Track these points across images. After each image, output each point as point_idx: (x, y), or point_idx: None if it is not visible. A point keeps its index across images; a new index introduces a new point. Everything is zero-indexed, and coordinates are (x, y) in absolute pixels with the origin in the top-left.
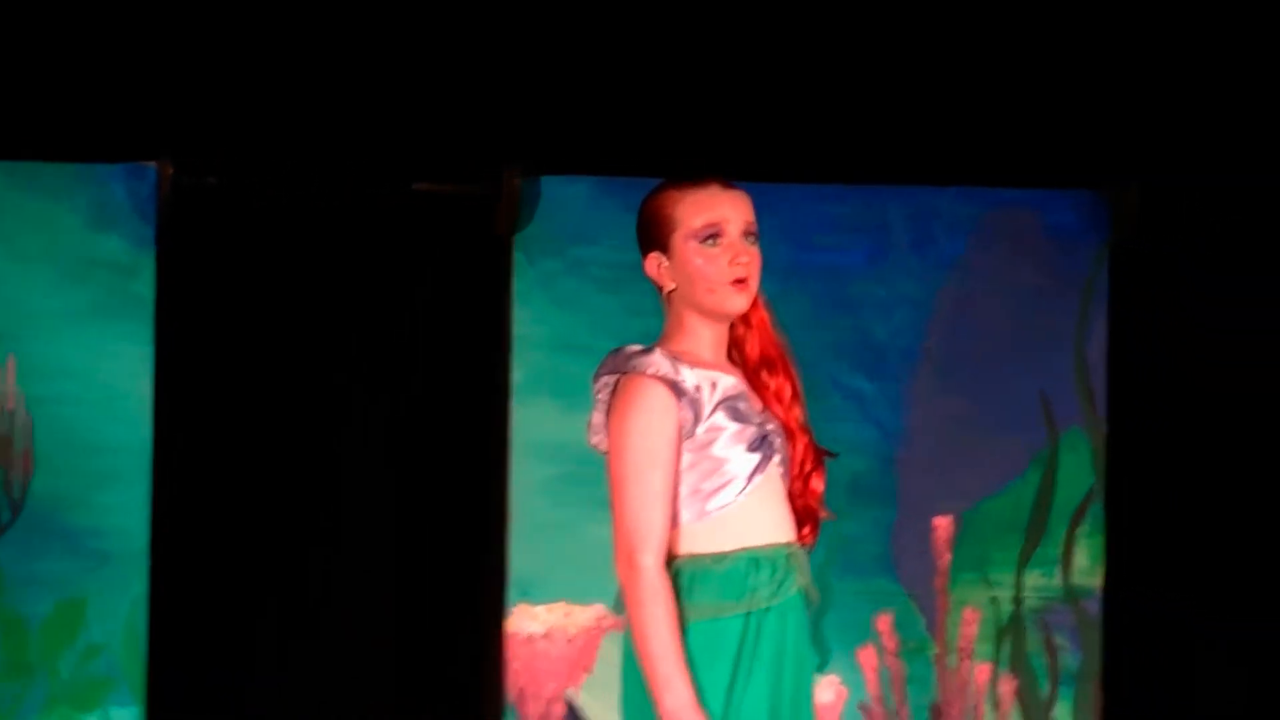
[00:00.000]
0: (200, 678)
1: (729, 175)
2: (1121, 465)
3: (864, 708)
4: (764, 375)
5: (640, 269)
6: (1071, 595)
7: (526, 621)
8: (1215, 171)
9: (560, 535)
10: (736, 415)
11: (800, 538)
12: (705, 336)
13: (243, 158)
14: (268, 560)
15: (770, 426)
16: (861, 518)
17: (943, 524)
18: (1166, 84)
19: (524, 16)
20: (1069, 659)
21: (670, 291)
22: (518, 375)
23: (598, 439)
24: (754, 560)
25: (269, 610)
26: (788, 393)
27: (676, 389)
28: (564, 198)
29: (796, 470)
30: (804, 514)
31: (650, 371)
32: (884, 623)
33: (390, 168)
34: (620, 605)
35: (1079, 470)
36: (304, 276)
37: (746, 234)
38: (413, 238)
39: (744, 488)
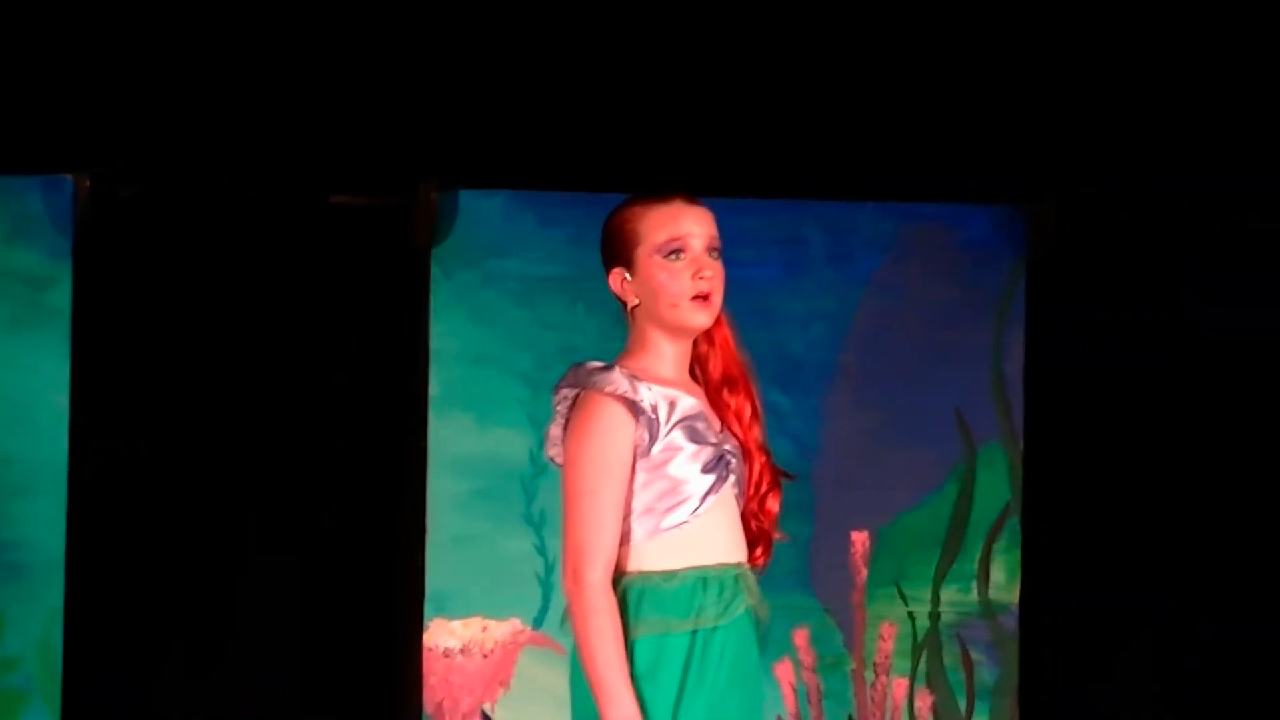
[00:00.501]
0: (116, 691)
1: (645, 189)
2: (1038, 480)
3: None
4: (725, 394)
5: (556, 282)
6: (988, 610)
7: (443, 636)
8: (1131, 186)
9: (477, 549)
10: (694, 436)
11: (753, 559)
12: (668, 353)
13: (159, 170)
14: (183, 573)
15: (728, 447)
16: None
17: (860, 539)
18: (1081, 100)
19: (440, 31)
20: (986, 674)
21: (634, 307)
22: (434, 388)
23: (554, 451)
24: (703, 579)
25: (184, 623)
26: (747, 412)
27: (634, 408)
28: (481, 211)
29: (752, 490)
30: (757, 535)
31: (608, 389)
32: (801, 638)
33: (307, 180)
34: (540, 620)
35: (996, 485)
36: (220, 289)
37: (710, 249)
38: (329, 250)
39: (697, 507)
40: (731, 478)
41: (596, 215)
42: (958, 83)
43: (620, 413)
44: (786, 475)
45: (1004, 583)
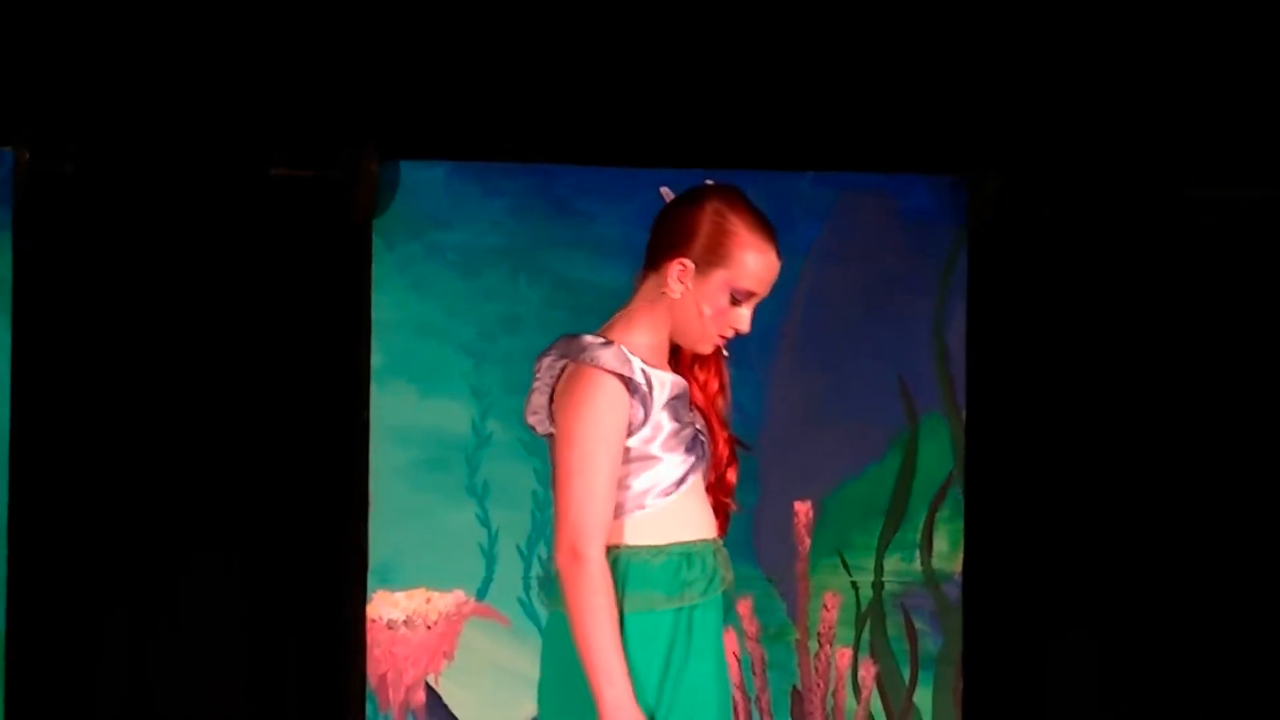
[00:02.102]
0: (59, 667)
1: (586, 159)
2: (980, 450)
3: None
4: (696, 369)
5: (498, 253)
6: (931, 579)
7: (386, 608)
8: (1073, 156)
9: (420, 521)
10: (676, 415)
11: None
12: (662, 335)
13: (100, 143)
14: (126, 548)
15: (698, 425)
16: None
17: (803, 509)
18: (1023, 69)
19: (381, 2)
20: (929, 643)
21: (663, 294)
22: (377, 360)
23: (534, 419)
24: (687, 555)
25: (128, 598)
26: (714, 386)
27: (630, 385)
28: (422, 182)
29: (715, 463)
30: (716, 508)
31: (608, 366)
32: (744, 608)
33: (248, 153)
34: (483, 591)
35: (938, 455)
36: (162, 262)
37: (757, 303)
38: (271, 223)
39: (681, 484)
40: (705, 456)
41: (538, 186)
42: (899, 52)
43: (618, 389)
44: (744, 446)
45: (947, 552)
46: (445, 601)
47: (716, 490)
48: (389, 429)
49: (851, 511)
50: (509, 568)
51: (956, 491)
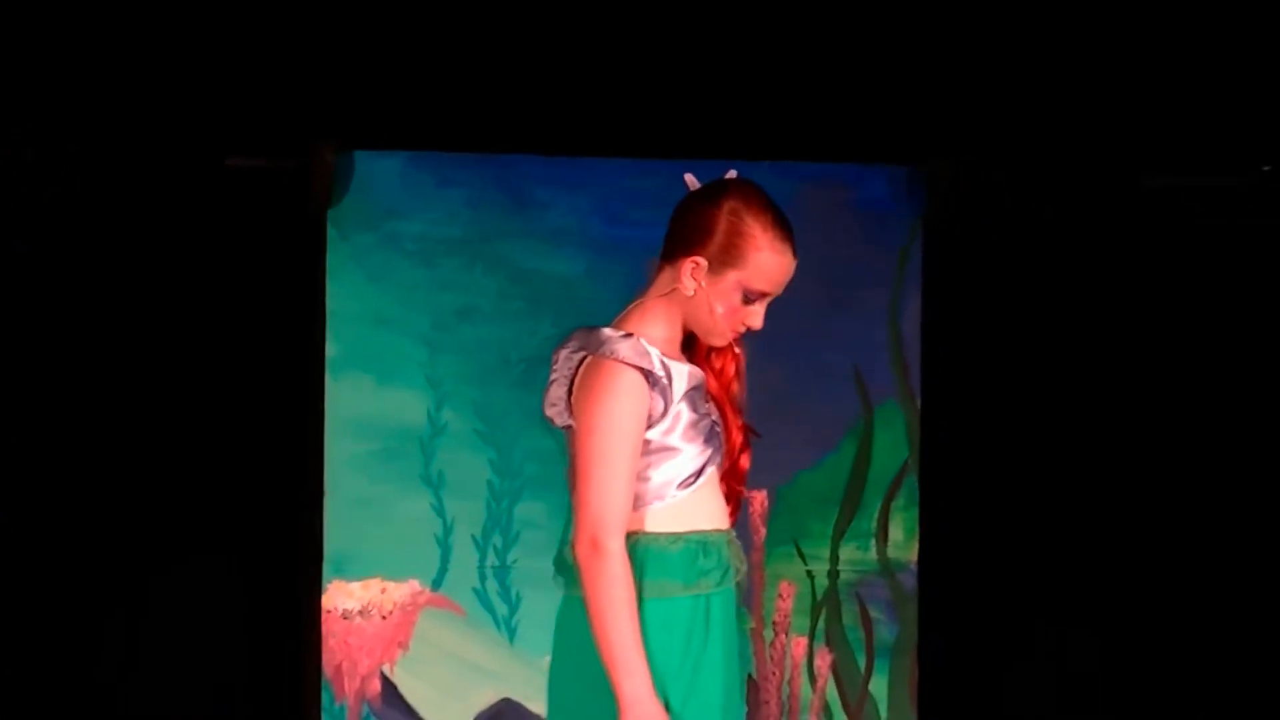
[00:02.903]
0: (17, 661)
1: (542, 149)
2: (935, 439)
3: None
4: (711, 356)
5: (454, 243)
6: (887, 568)
7: (341, 598)
8: (1029, 146)
9: (376, 511)
10: (694, 406)
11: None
12: (675, 328)
13: (54, 133)
14: (78, 538)
15: (714, 416)
16: None
17: (758, 498)
18: (979, 59)
19: None
20: (885, 632)
21: (675, 289)
22: (332, 350)
23: (553, 412)
24: (703, 544)
25: (82, 591)
26: (730, 372)
27: (650, 377)
28: (377, 172)
29: (729, 450)
30: (728, 495)
31: (628, 358)
32: None
33: (202, 143)
34: (438, 581)
35: (893, 444)
36: (117, 253)
37: (771, 301)
38: (225, 213)
39: (699, 476)
40: (721, 446)
41: (494, 177)
42: (857, 42)
43: (638, 381)
44: (754, 433)
45: (902, 541)
46: (400, 591)
47: (729, 477)
48: (344, 419)
49: (807, 501)
50: (464, 558)
51: (912, 480)
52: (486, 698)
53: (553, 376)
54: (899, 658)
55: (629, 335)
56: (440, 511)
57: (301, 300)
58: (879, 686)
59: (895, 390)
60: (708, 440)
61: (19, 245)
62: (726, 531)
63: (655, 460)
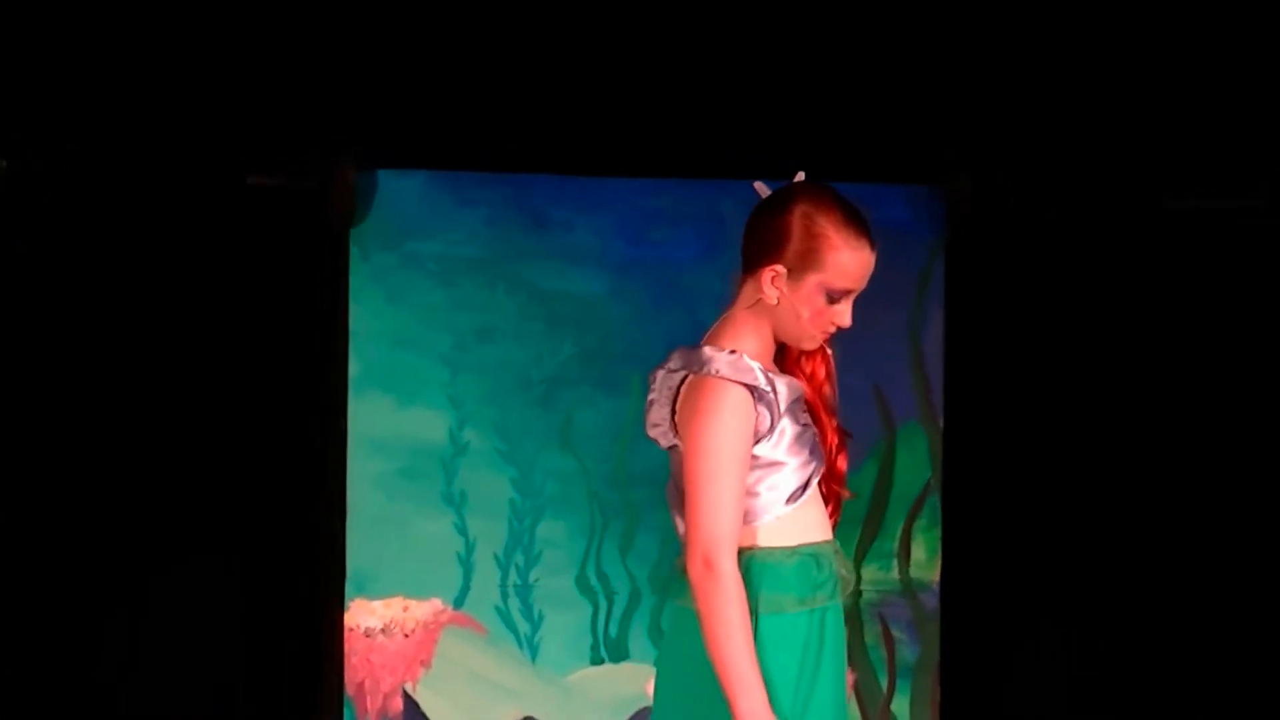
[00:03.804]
0: (40, 674)
1: (563, 169)
2: (958, 458)
3: None
4: (802, 361)
5: (475, 263)
6: (909, 588)
7: (364, 616)
8: (1048, 165)
9: (397, 530)
10: (796, 418)
11: (832, 521)
12: (766, 339)
13: (77, 150)
14: (104, 555)
15: (813, 427)
16: None
17: None
18: (999, 78)
19: (359, 10)
20: (906, 652)
21: (760, 300)
22: (354, 369)
23: (657, 432)
24: (815, 557)
25: (105, 605)
26: (821, 374)
27: (756, 392)
28: (399, 191)
29: (825, 452)
30: (828, 496)
31: (735, 376)
32: None
33: (224, 161)
34: (460, 600)
35: (915, 464)
36: (138, 271)
37: (858, 297)
38: (247, 232)
39: (805, 489)
40: (822, 457)
41: (515, 196)
42: (876, 61)
43: (745, 398)
44: (848, 434)
45: (924, 561)
46: (422, 610)
47: (828, 479)
48: (366, 438)
49: None
50: (486, 576)
51: (934, 500)
52: (509, 716)
53: (651, 397)
54: (921, 678)
55: (732, 352)
56: (462, 530)
57: (323, 319)
58: (901, 706)
59: (917, 411)
60: (812, 452)
61: (27, 254)
62: (832, 542)
63: (763, 475)
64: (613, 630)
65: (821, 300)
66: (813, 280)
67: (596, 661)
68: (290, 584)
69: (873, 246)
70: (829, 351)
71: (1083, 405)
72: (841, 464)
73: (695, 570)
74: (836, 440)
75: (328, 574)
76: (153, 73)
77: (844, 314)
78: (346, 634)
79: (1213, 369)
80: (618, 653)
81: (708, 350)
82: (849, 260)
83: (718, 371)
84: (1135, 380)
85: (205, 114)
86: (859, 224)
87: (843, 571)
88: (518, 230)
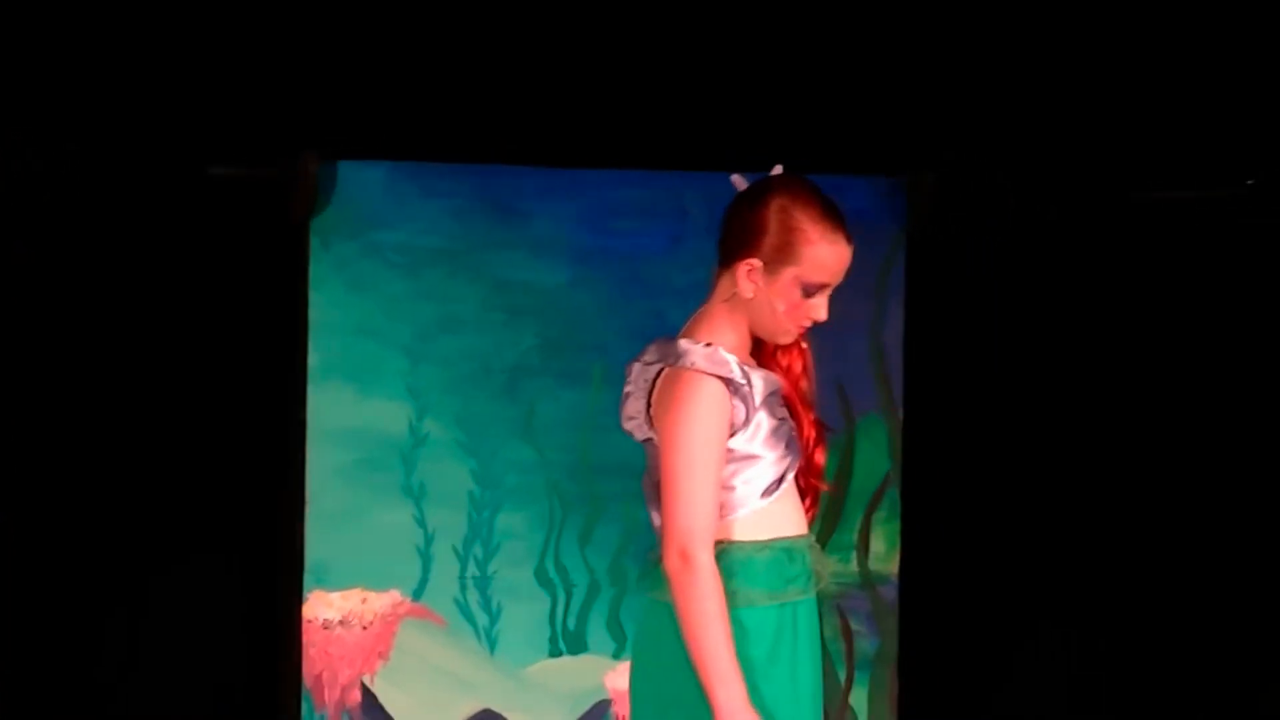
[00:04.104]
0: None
1: (527, 159)
2: (917, 451)
3: None
4: (779, 355)
5: (437, 253)
6: (868, 581)
7: (322, 608)
8: (1011, 159)
9: (356, 521)
10: (773, 412)
11: (809, 515)
12: (742, 332)
13: (35, 142)
14: (59, 546)
15: (790, 421)
16: None
17: None
18: (962, 72)
19: (321, 1)
20: (866, 644)
21: (736, 294)
22: (314, 360)
23: (632, 424)
24: (789, 551)
25: (61, 597)
26: (798, 368)
27: (731, 385)
28: (360, 182)
29: (803, 446)
30: (805, 489)
31: (708, 368)
32: None
33: (185, 152)
34: (419, 591)
35: (875, 456)
36: (99, 262)
37: (834, 290)
38: (208, 222)
39: (781, 482)
40: (798, 451)
41: (478, 187)
42: (840, 54)
43: (720, 391)
44: (828, 428)
45: (884, 553)
46: (381, 601)
47: (806, 473)
48: (326, 429)
49: None
50: (445, 568)
51: (894, 493)
52: (467, 708)
53: (628, 389)
54: (879, 670)
55: (708, 344)
56: (421, 522)
57: (284, 310)
58: (859, 699)
59: (877, 403)
60: (788, 446)
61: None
62: (807, 536)
63: (739, 469)
64: (571, 622)
65: (797, 294)
66: (789, 274)
67: (555, 654)
68: (248, 575)
69: (849, 240)
70: (805, 346)
71: (1042, 397)
72: (819, 458)
73: (672, 563)
74: (814, 434)
75: (286, 565)
76: (112, 64)
77: (820, 308)
78: (304, 625)
79: (1173, 361)
80: (576, 645)
81: (684, 343)
82: (825, 254)
83: (693, 364)
84: (1096, 373)
85: (166, 105)
86: (836, 217)
87: (818, 566)
88: (480, 221)
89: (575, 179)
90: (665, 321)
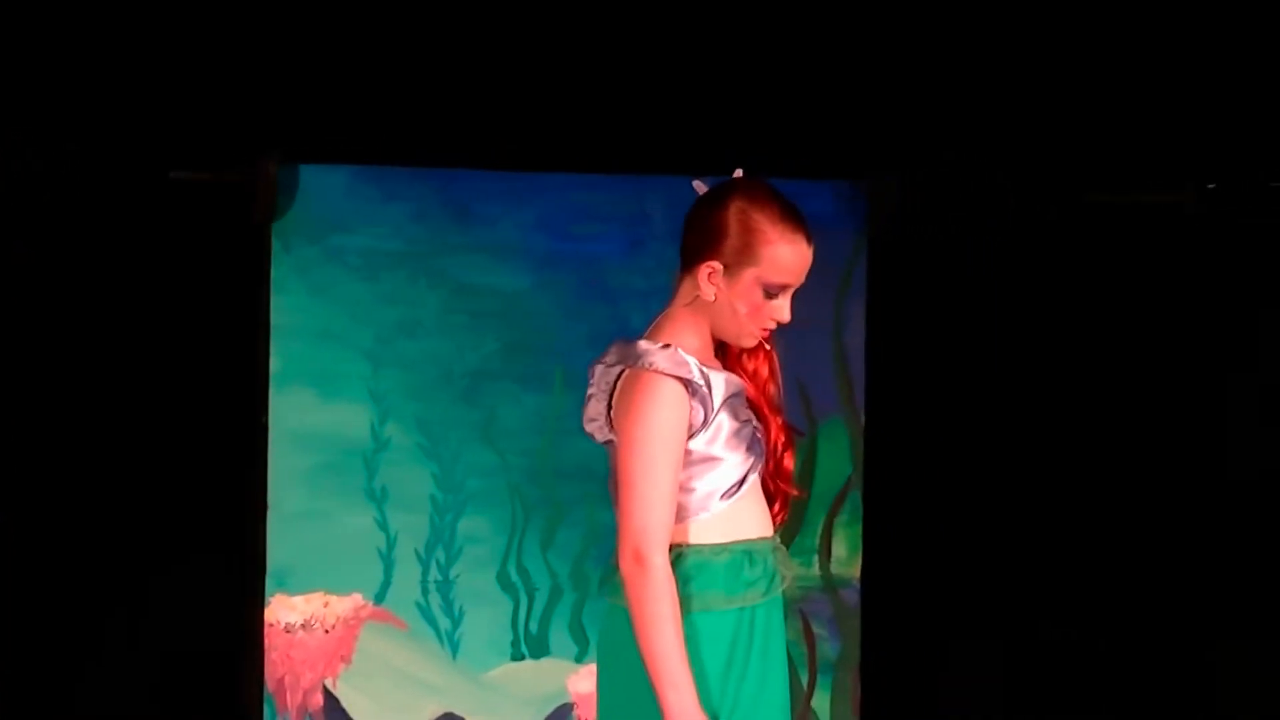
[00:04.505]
0: None
1: (486, 163)
2: (879, 455)
3: None
4: (743, 358)
5: (398, 257)
6: (830, 585)
7: (284, 612)
8: (973, 162)
9: (318, 525)
10: (735, 414)
11: (777, 519)
12: (705, 335)
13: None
14: (19, 548)
15: (755, 423)
16: None
17: None
18: (923, 76)
19: (282, 5)
20: (827, 648)
21: (697, 297)
22: (275, 364)
23: (592, 427)
24: (749, 554)
25: (21, 600)
26: (764, 372)
27: (690, 387)
28: (322, 186)
29: (770, 450)
30: (774, 493)
31: (666, 369)
32: None
33: (146, 156)
34: (381, 595)
35: (837, 460)
36: (60, 266)
37: (796, 292)
38: (169, 226)
39: (742, 484)
40: (762, 453)
41: (439, 190)
42: (799, 57)
43: (678, 392)
44: (798, 432)
45: (845, 557)
46: (343, 605)
47: (775, 478)
48: (288, 433)
49: None
50: (407, 572)
51: (856, 496)
52: (429, 712)
53: (590, 391)
54: (841, 674)
55: (666, 346)
56: (383, 526)
57: (245, 313)
58: (821, 702)
59: (839, 406)
60: (750, 448)
61: None
62: (771, 539)
63: (698, 471)
64: (533, 626)
65: (758, 295)
66: (749, 275)
67: (517, 657)
68: (211, 579)
69: (809, 241)
70: (770, 349)
71: (1003, 401)
72: (787, 462)
73: (626, 565)
74: (783, 438)
75: (248, 569)
76: (74, 68)
77: (782, 309)
78: (267, 629)
79: (1135, 364)
80: (538, 649)
81: (643, 344)
82: (785, 255)
83: (652, 365)
84: (1056, 376)
85: (128, 109)
86: (795, 219)
87: (782, 569)
88: (441, 225)
89: (536, 183)
90: (627, 325)
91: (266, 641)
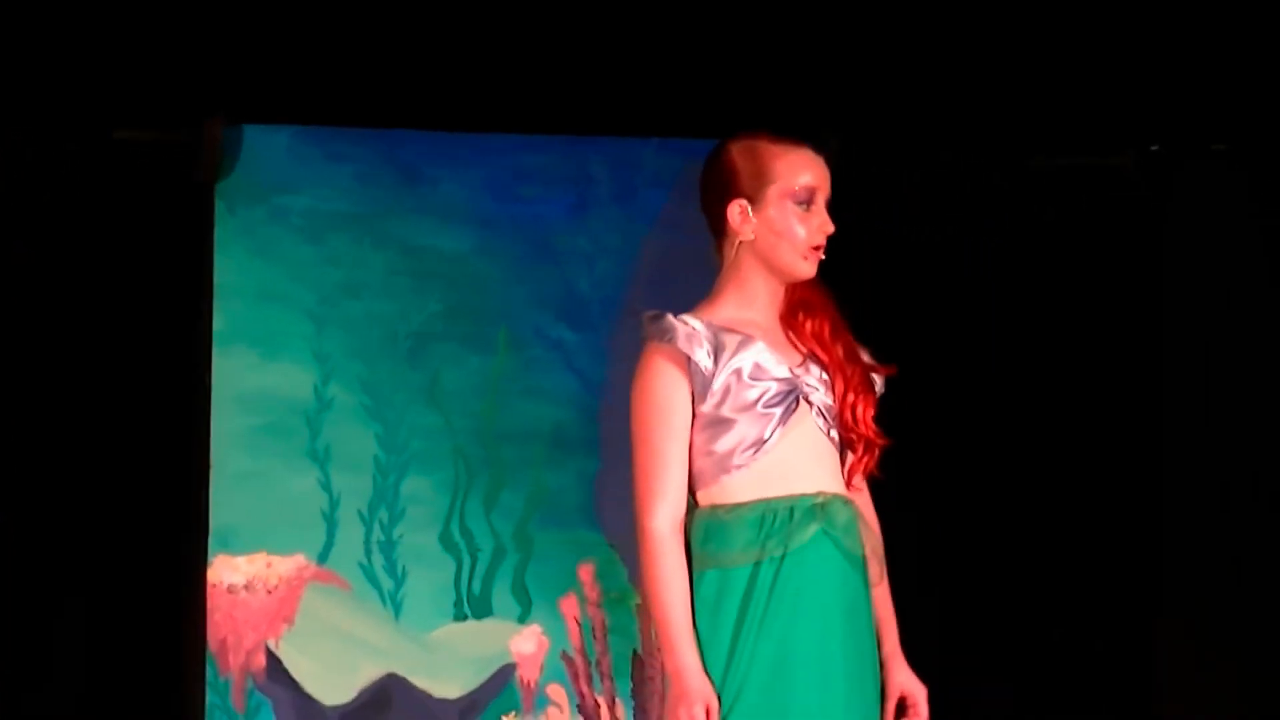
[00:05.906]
0: None
1: (431, 124)
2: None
3: (566, 657)
4: (800, 317)
5: (342, 218)
6: None
7: (227, 572)
8: (914, 126)
9: (261, 486)
10: (757, 373)
11: (856, 468)
12: (762, 292)
13: None
14: None
15: (806, 379)
16: (564, 468)
17: None
18: (870, 37)
19: None
20: None
21: (742, 243)
22: (218, 324)
23: None
24: (770, 511)
25: None
26: (827, 330)
27: (680, 355)
28: (265, 146)
29: (842, 404)
30: (859, 444)
31: (661, 339)
32: (586, 573)
33: (90, 115)
34: (324, 556)
35: None
36: (0, 225)
37: (828, 203)
38: (112, 185)
39: (765, 443)
40: (811, 408)
41: (384, 152)
42: (744, 17)
43: (665, 362)
44: (882, 369)
45: None
46: (286, 566)
47: (851, 427)
48: (230, 394)
49: None
50: (350, 532)
51: None
52: (372, 673)
53: None
54: None
55: (658, 315)
56: (326, 486)
57: (188, 274)
58: None
59: None
60: (772, 405)
61: None
62: (813, 495)
63: (714, 433)
64: (476, 587)
65: (792, 209)
66: (773, 192)
67: (460, 618)
68: (152, 539)
69: (814, 149)
70: (829, 301)
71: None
72: (860, 409)
73: (636, 531)
74: (852, 386)
75: (190, 529)
76: (16, 27)
77: (822, 220)
78: (209, 590)
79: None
80: (481, 609)
81: (649, 314)
82: (796, 157)
83: (644, 336)
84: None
85: (70, 68)
86: (793, 138)
87: (818, 524)
88: (386, 186)
89: (481, 144)
90: (572, 288)
91: (209, 602)
